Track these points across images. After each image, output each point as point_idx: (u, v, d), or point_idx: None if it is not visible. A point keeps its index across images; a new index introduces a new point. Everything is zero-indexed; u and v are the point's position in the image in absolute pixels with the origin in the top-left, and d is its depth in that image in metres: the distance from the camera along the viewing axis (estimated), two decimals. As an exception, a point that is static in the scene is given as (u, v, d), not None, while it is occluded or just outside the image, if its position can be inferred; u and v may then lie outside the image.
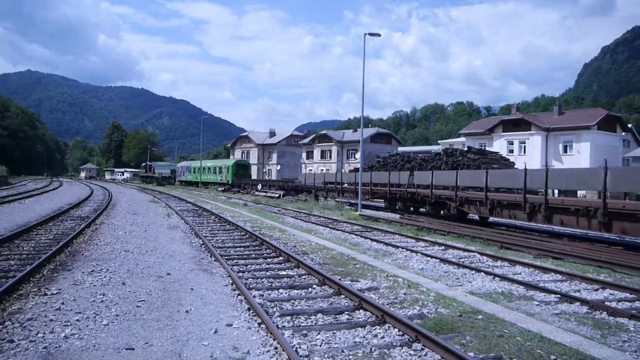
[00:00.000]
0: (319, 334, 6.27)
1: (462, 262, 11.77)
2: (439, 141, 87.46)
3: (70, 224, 17.63)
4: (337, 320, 6.91)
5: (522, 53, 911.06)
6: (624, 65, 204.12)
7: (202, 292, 8.28)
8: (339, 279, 9.14)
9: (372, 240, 15.36)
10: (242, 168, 58.67)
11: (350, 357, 5.55)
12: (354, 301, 7.69)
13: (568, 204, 15.70)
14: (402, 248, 13.61)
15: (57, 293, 7.80)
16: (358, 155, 48.41)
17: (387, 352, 5.71)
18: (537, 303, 8.09)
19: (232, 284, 8.82)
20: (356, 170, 34.62)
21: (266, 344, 5.82)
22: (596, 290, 9.30)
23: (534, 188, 18.12)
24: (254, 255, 12.15)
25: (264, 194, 44.43)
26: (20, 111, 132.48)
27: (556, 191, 22.92)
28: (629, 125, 59.15)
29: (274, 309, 7.33)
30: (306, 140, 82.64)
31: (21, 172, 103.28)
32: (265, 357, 5.45)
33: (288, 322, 6.75)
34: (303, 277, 9.72)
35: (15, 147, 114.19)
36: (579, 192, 28.83)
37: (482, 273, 10.39)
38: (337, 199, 33.42)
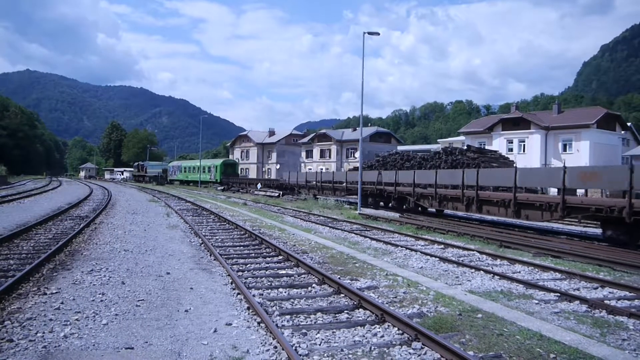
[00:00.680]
0: (318, 333, 6.27)
1: (462, 260, 11.78)
2: (438, 140, 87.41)
3: (70, 223, 17.62)
4: (337, 319, 6.91)
5: (521, 52, 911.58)
6: (623, 64, 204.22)
7: (201, 291, 8.28)
8: (339, 278, 9.14)
9: (372, 239, 15.36)
10: (229, 167, 62.85)
11: (350, 356, 5.55)
12: (353, 300, 7.69)
13: (492, 197, 19.34)
14: (402, 247, 13.61)
15: (56, 292, 7.80)
16: (357, 155, 48.41)
17: (387, 351, 5.71)
18: (536, 302, 8.09)
19: (231, 283, 8.82)
20: (355, 169, 34.69)
21: (266, 343, 5.82)
22: (595, 288, 9.30)
23: (470, 184, 20.75)
24: (253, 255, 12.15)
25: (263, 193, 44.44)
26: (20, 111, 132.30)
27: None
28: (628, 124, 59.16)
29: (274, 308, 7.33)
30: (305, 140, 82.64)
31: (20, 171, 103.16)
32: (264, 356, 5.45)
33: (287, 321, 6.75)
34: (302, 276, 9.73)
35: (15, 147, 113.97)
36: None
37: (482, 272, 10.40)
38: (317, 196, 36.72)
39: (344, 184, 33.23)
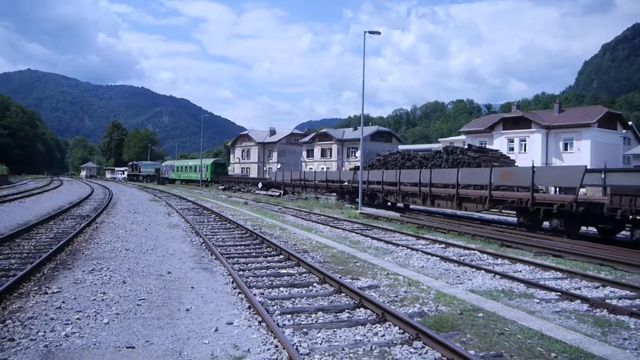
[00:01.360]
0: (319, 332, 6.27)
1: (463, 260, 11.78)
2: (439, 139, 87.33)
3: (71, 222, 17.64)
4: (338, 319, 6.92)
5: (522, 51, 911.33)
6: (624, 63, 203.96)
7: (202, 290, 8.28)
8: (340, 277, 9.14)
9: (373, 238, 15.36)
10: (219, 167, 67.43)
11: (351, 355, 5.55)
12: (354, 299, 7.69)
13: (441, 193, 22.89)
14: (403, 246, 13.61)
15: (57, 292, 7.81)
16: (358, 154, 48.50)
17: (388, 350, 5.71)
18: (537, 301, 8.09)
19: (232, 283, 8.82)
20: (356, 168, 34.75)
21: (267, 342, 5.82)
22: (597, 287, 9.30)
23: (425, 182, 24.13)
24: (254, 254, 12.15)
25: (264, 192, 44.45)
26: (21, 110, 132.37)
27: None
28: (630, 123, 59.05)
29: (275, 307, 7.33)
30: (306, 139, 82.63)
31: (21, 171, 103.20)
32: (265, 355, 5.45)
33: (288, 320, 6.75)
34: (303, 275, 9.73)
35: (16, 146, 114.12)
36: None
37: (483, 271, 10.39)
38: (301, 193, 39.48)
39: (325, 182, 36.47)
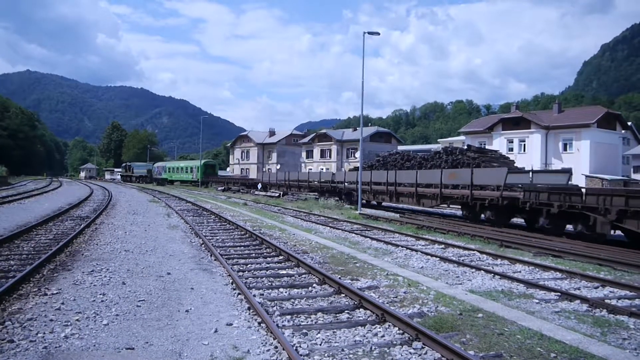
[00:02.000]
0: (319, 333, 6.27)
1: (462, 260, 11.79)
2: (438, 140, 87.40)
3: (70, 224, 17.63)
4: (337, 319, 6.92)
5: (521, 51, 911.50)
6: (623, 63, 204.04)
7: (202, 291, 8.28)
8: (339, 278, 9.14)
9: (372, 239, 15.36)
10: (209, 168, 70.17)
11: (351, 356, 5.55)
12: (354, 300, 7.69)
13: (404, 191, 26.33)
14: (402, 247, 13.62)
15: (57, 293, 7.80)
16: (358, 154, 48.66)
17: (388, 350, 5.71)
18: (537, 301, 8.09)
19: (232, 283, 8.82)
20: (356, 168, 34.82)
21: (266, 343, 5.82)
22: (596, 288, 9.31)
23: (391, 182, 27.31)
24: (254, 255, 12.15)
25: (263, 193, 44.44)
26: (20, 111, 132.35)
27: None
28: (629, 123, 59.14)
29: (274, 308, 7.33)
30: (306, 140, 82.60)
31: (21, 172, 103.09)
32: (265, 356, 5.45)
33: (288, 321, 6.75)
34: (303, 276, 9.73)
35: (15, 148, 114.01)
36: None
37: (482, 271, 10.40)
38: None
39: (315, 182, 38.27)
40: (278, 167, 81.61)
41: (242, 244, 13.99)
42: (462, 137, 61.77)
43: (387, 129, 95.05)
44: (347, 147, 74.09)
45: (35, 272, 9.15)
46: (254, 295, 7.89)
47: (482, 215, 20.92)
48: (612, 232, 15.20)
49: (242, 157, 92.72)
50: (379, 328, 6.51)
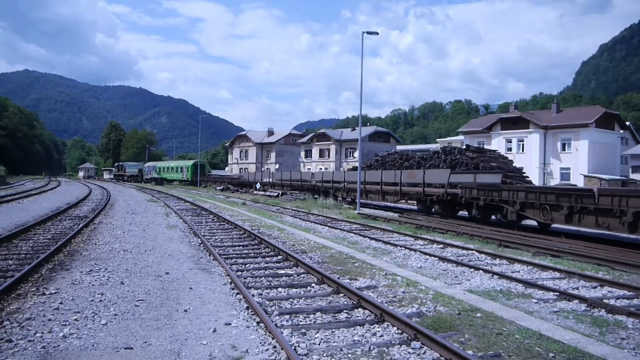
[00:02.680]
0: (317, 332, 6.27)
1: (461, 260, 11.79)
2: (437, 139, 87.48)
3: (69, 223, 17.61)
4: (336, 319, 6.92)
5: (520, 51, 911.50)
6: (621, 63, 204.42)
7: (200, 291, 8.28)
8: (338, 278, 9.14)
9: (371, 238, 15.37)
10: (200, 167, 71.66)
11: (349, 355, 5.55)
12: (352, 300, 7.69)
13: (372, 189, 29.44)
14: (401, 246, 13.62)
15: (55, 293, 7.79)
16: (357, 154, 48.69)
17: (386, 350, 5.71)
18: (535, 301, 8.10)
19: (230, 283, 8.82)
20: (355, 168, 34.86)
21: (265, 342, 5.82)
22: (594, 287, 9.32)
23: (361, 180, 29.52)
24: (252, 254, 12.15)
25: (262, 192, 44.43)
26: (18, 111, 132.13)
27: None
28: (627, 123, 59.24)
29: (273, 308, 7.33)
30: (305, 139, 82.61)
31: (19, 171, 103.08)
32: (264, 355, 5.45)
33: (287, 320, 6.75)
34: (302, 275, 9.73)
35: (14, 147, 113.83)
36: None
37: (481, 271, 10.40)
38: (267, 190, 44.27)
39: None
40: (277, 166, 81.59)
41: (241, 243, 13.98)
42: (460, 137, 61.84)
43: (385, 128, 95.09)
44: (345, 147, 74.10)
45: (34, 271, 9.15)
46: (253, 295, 7.89)
47: (433, 209, 24.54)
48: (521, 219, 18.98)
49: (240, 157, 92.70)
50: (378, 328, 6.51)
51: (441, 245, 14.32)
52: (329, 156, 75.50)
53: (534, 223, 18.97)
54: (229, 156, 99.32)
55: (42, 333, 5.92)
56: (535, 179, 45.54)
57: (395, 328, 6.43)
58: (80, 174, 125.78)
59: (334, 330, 6.41)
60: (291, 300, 7.86)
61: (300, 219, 22.06)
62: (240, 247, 13.29)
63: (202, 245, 13.39)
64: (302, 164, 79.66)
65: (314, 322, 6.74)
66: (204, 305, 7.43)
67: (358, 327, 6.55)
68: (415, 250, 12.98)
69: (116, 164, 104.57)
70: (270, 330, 6.10)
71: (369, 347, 5.75)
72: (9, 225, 16.04)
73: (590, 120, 47.83)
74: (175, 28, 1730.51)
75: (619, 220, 13.72)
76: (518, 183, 24.12)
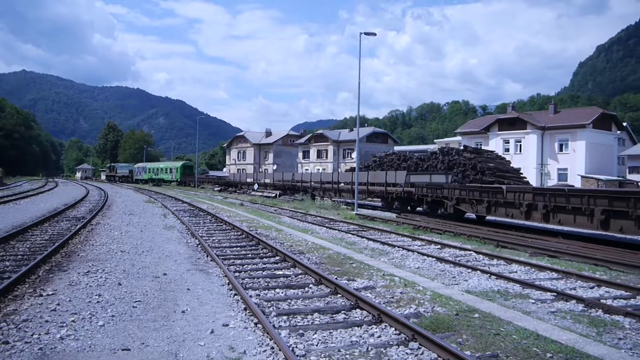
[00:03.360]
0: (315, 333, 6.27)
1: (459, 260, 11.80)
2: (435, 140, 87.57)
3: (66, 224, 17.58)
4: (334, 320, 6.91)
5: (517, 52, 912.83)
6: (618, 64, 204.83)
7: (198, 292, 8.26)
8: (336, 279, 9.14)
9: (369, 239, 15.37)
10: (187, 168, 76.13)
11: (347, 356, 5.55)
12: (350, 300, 7.69)
13: (344, 188, 33.25)
14: (399, 247, 13.63)
15: (52, 294, 7.77)
16: (354, 155, 48.73)
17: (384, 351, 5.71)
18: (533, 301, 8.11)
19: (228, 284, 8.81)
20: (353, 169, 34.81)
21: (263, 343, 5.82)
22: (592, 288, 9.33)
23: (334, 180, 35.15)
24: (250, 255, 12.14)
25: (260, 193, 44.41)
26: (15, 111, 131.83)
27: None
28: (624, 124, 59.36)
29: (271, 309, 7.32)
30: (302, 140, 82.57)
31: (16, 172, 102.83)
32: (261, 357, 5.45)
33: (285, 321, 6.74)
34: (299, 276, 9.72)
35: (11, 148, 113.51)
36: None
37: (478, 272, 10.41)
38: (265, 191, 45.45)
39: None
40: (274, 167, 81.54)
41: (239, 244, 13.97)
42: (458, 138, 61.92)
43: (383, 129, 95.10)
44: (343, 148, 74.10)
45: (31, 273, 9.13)
46: (251, 296, 7.88)
47: (394, 205, 27.76)
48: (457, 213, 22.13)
49: (238, 158, 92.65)
50: (376, 328, 6.51)
51: (439, 246, 14.33)
52: (326, 157, 75.50)
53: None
54: (227, 157, 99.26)
55: (39, 335, 5.90)
56: (533, 180, 45.62)
57: (393, 329, 6.43)
58: (78, 174, 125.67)
59: (331, 331, 6.40)
60: (289, 301, 7.85)
61: (297, 219, 22.06)
62: (238, 248, 13.28)
63: (199, 246, 13.38)
64: (299, 165, 79.64)
65: (312, 323, 6.73)
66: (202, 306, 7.42)
67: (356, 327, 6.55)
68: (412, 251, 12.98)
69: (108, 165, 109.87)
70: (268, 331, 6.10)
71: (367, 348, 5.75)
72: (6, 226, 16.00)
73: (588, 121, 47.95)
74: (172, 29, 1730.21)
75: (519, 210, 17.42)
76: (516, 184, 24.21)
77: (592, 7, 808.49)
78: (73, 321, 6.46)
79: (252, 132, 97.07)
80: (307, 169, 72.95)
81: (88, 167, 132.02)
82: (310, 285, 8.87)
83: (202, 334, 6.15)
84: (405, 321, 6.31)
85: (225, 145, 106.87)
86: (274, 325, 6.42)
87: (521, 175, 28.24)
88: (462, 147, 33.42)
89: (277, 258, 11.72)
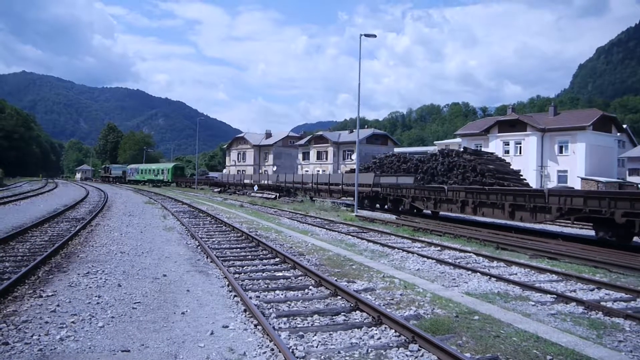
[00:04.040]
0: (315, 335, 6.27)
1: (459, 262, 11.80)
2: (435, 142, 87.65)
3: (66, 225, 17.57)
4: (334, 322, 6.91)
5: (517, 53, 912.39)
6: (618, 66, 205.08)
7: (198, 293, 8.26)
8: (336, 280, 9.14)
9: (369, 241, 15.37)
10: (178, 169, 79.10)
11: (347, 358, 5.54)
12: (350, 302, 7.68)
13: (322, 189, 36.38)
14: (399, 249, 13.62)
15: (52, 295, 7.77)
16: (354, 156, 48.77)
17: (384, 353, 5.71)
18: (533, 303, 8.11)
19: (228, 285, 8.81)
20: (352, 171, 34.81)
21: (262, 345, 5.81)
22: (592, 290, 9.33)
23: (314, 182, 38.84)
24: (250, 257, 12.13)
25: (260, 195, 44.41)
26: (15, 112, 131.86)
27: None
28: (624, 126, 59.45)
29: (271, 310, 7.32)
30: (302, 141, 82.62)
31: (16, 173, 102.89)
32: (261, 358, 5.44)
33: (284, 323, 6.74)
34: (299, 278, 9.72)
35: (11, 149, 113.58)
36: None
37: (478, 274, 10.41)
38: (265, 192, 47.17)
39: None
40: (274, 169, 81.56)
41: (238, 245, 13.96)
42: (458, 140, 61.92)
43: (383, 131, 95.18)
44: (343, 149, 74.13)
45: (31, 273, 9.12)
46: (250, 298, 7.88)
47: (364, 203, 30.75)
48: (414, 210, 25.81)
49: (238, 159, 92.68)
50: (376, 330, 6.50)
51: (439, 248, 14.33)
52: (326, 158, 75.52)
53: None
54: (227, 158, 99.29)
55: (39, 336, 5.90)
56: (533, 182, 45.64)
57: (393, 331, 6.42)
58: (78, 175, 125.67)
59: (331, 332, 6.40)
60: (289, 302, 7.85)
61: (297, 221, 22.05)
62: (238, 250, 13.27)
63: (199, 247, 13.37)
64: (299, 166, 79.67)
65: (312, 325, 6.73)
66: (202, 307, 7.42)
67: (356, 329, 6.54)
68: (412, 253, 12.98)
69: (103, 166, 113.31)
70: (267, 332, 6.09)
71: (367, 350, 5.74)
72: (6, 227, 15.98)
73: (588, 123, 47.99)
74: (172, 30, 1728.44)
75: (456, 205, 21.08)
76: (516, 185, 24.21)
77: (591, 9, 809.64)
78: (73, 322, 6.45)
79: (252, 133, 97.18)
80: (307, 171, 72.93)
81: (88, 168, 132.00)
82: (310, 287, 8.87)
83: (201, 336, 6.15)
84: (405, 323, 6.31)
85: (225, 146, 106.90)
86: (273, 327, 6.42)
87: (521, 177, 28.26)
88: (462, 149, 33.41)
89: (277, 259, 11.71)
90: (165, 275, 9.57)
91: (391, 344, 5.95)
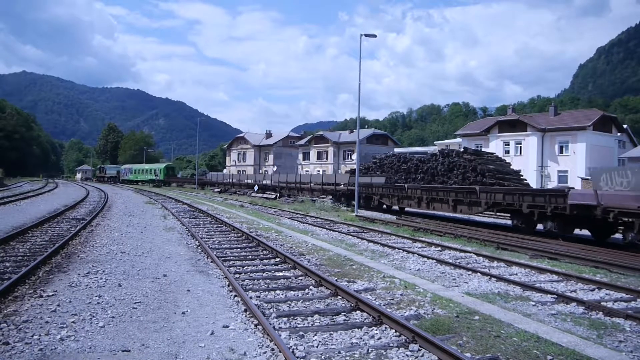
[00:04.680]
0: (315, 335, 6.27)
1: (459, 262, 11.80)
2: (435, 142, 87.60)
3: (66, 225, 17.57)
4: (334, 322, 6.91)
5: (517, 54, 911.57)
6: (619, 66, 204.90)
7: (198, 293, 8.26)
8: (336, 280, 9.14)
9: (369, 241, 15.37)
10: (170, 170, 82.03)
11: (347, 358, 5.54)
12: (350, 302, 7.69)
13: (304, 187, 39.18)
14: (399, 249, 13.62)
15: (52, 295, 7.77)
16: (354, 157, 48.82)
17: (384, 353, 5.71)
18: (533, 303, 8.11)
19: (228, 285, 8.81)
20: (353, 171, 34.84)
21: (263, 345, 5.81)
22: (592, 290, 9.34)
23: (297, 181, 41.44)
24: (250, 257, 12.14)
25: (260, 195, 44.41)
26: (16, 112, 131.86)
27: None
28: (624, 126, 59.34)
29: (271, 310, 7.32)
30: (302, 142, 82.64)
31: (17, 173, 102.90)
32: (262, 358, 5.44)
33: (285, 323, 6.74)
34: (300, 278, 9.72)
35: (11, 149, 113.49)
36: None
37: (479, 274, 10.41)
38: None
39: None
40: (275, 168, 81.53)
41: (239, 245, 13.97)
42: (458, 140, 61.89)
43: (383, 131, 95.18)
44: (343, 149, 74.14)
45: (31, 273, 9.12)
46: (251, 298, 7.88)
47: (340, 201, 33.10)
48: (384, 206, 29.30)
49: (238, 159, 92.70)
50: (376, 330, 6.50)
51: (439, 248, 14.33)
52: (327, 158, 75.52)
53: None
54: (227, 158, 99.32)
55: (40, 336, 5.90)
56: (533, 182, 45.62)
57: (393, 331, 6.43)
58: (78, 175, 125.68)
59: (332, 332, 6.40)
60: (289, 302, 7.85)
61: (298, 221, 22.05)
62: (238, 250, 13.28)
63: (199, 247, 13.37)
64: (300, 166, 79.66)
65: (312, 325, 6.73)
66: (202, 307, 7.42)
67: (356, 329, 6.55)
68: (413, 253, 12.98)
69: (98, 166, 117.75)
70: (268, 332, 6.10)
71: (367, 350, 5.75)
72: (6, 227, 15.98)
73: (588, 123, 47.96)
74: (172, 30, 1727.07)
75: (414, 201, 24.78)
76: (516, 186, 24.21)
77: (592, 9, 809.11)
78: (73, 322, 6.46)
79: (253, 133, 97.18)
80: (307, 171, 72.90)
81: (88, 168, 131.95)
82: (311, 287, 8.87)
83: (202, 335, 6.15)
84: (406, 323, 6.31)
85: (225, 146, 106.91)
86: (274, 327, 6.42)
87: (521, 177, 28.23)
88: (462, 149, 33.39)
89: (278, 260, 11.71)
90: (165, 275, 9.57)
91: (391, 344, 5.95)
